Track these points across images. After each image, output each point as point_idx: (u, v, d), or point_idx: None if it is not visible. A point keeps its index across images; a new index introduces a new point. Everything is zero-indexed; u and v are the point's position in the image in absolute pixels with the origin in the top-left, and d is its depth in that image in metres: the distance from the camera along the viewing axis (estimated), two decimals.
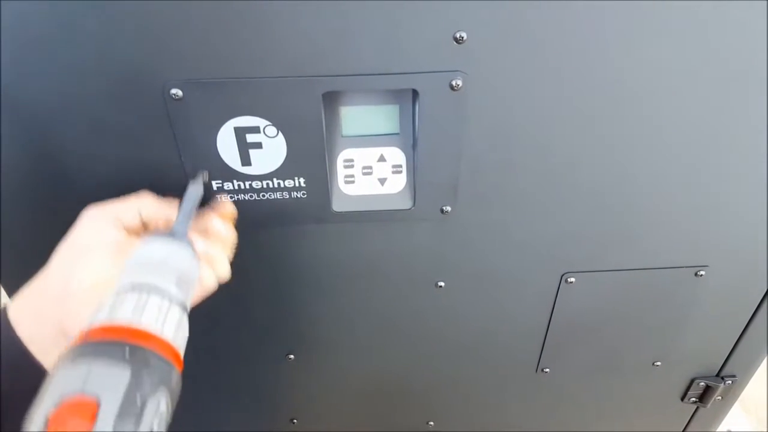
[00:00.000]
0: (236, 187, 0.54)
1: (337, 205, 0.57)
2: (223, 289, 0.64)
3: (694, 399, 0.83)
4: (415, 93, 0.51)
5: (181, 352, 0.37)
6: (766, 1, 0.46)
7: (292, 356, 0.73)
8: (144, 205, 0.46)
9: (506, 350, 0.74)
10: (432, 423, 0.84)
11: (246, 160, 0.53)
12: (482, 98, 0.50)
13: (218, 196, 0.54)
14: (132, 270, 0.39)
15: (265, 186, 0.54)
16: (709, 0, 0.46)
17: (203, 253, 0.46)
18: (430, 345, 0.73)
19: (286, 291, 0.65)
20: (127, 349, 0.32)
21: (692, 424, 0.88)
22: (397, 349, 0.73)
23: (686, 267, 0.66)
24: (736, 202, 0.60)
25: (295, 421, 0.82)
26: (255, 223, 0.58)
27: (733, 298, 0.70)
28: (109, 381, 0.30)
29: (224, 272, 0.49)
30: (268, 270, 0.63)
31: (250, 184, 0.54)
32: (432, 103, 0.50)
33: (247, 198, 0.55)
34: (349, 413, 0.82)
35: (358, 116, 0.55)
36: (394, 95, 0.53)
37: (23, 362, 0.40)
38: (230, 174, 0.53)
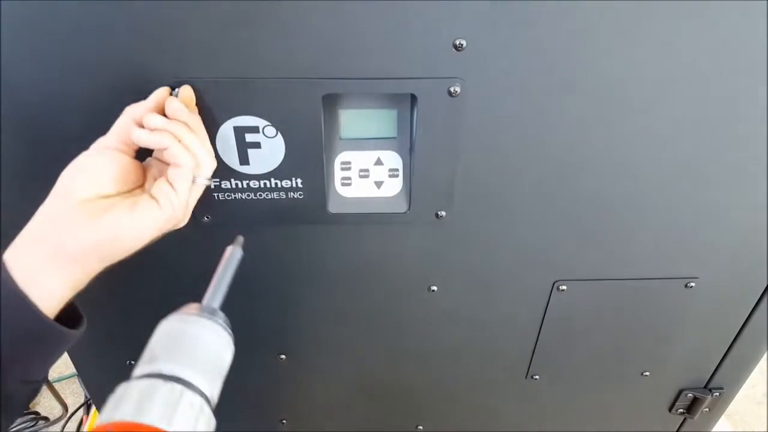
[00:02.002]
0: (234, 186, 0.55)
1: (333, 207, 0.57)
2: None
3: (681, 410, 0.83)
4: (413, 98, 0.51)
5: None
6: (766, 1, 0.47)
7: (283, 356, 0.73)
8: (133, 112, 0.45)
9: (497, 356, 0.75)
10: (421, 426, 0.84)
11: (244, 160, 0.53)
12: (480, 105, 0.51)
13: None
14: (161, 348, 0.35)
15: (262, 186, 0.55)
16: (706, 0, 0.47)
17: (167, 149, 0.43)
18: (421, 348, 0.73)
19: (280, 291, 0.66)
20: None
21: None
22: (388, 351, 0.73)
23: (677, 278, 0.67)
24: (727, 215, 0.61)
25: (284, 421, 0.83)
26: (251, 223, 0.58)
27: (722, 311, 0.71)
28: None
29: (205, 158, 0.46)
30: (262, 269, 0.63)
31: (248, 184, 0.55)
32: (430, 109, 0.51)
33: (244, 197, 0.55)
34: (338, 414, 0.82)
35: (356, 119, 0.55)
36: (393, 100, 0.54)
37: (15, 304, 0.38)
38: (228, 173, 0.54)
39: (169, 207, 0.44)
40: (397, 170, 0.57)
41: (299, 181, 0.55)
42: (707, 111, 0.53)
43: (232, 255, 0.46)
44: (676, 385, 0.80)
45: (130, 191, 0.45)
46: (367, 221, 0.59)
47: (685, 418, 0.85)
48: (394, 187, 0.58)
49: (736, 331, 0.73)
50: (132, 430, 0.29)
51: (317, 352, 0.73)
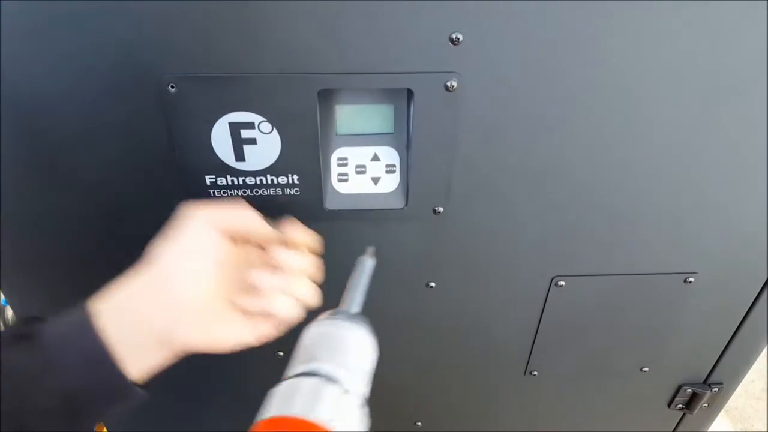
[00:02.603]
0: (229, 183, 0.54)
1: (330, 203, 0.57)
2: None
3: (680, 405, 0.83)
4: (410, 93, 0.51)
5: None
6: (766, 1, 0.46)
7: (281, 353, 0.72)
8: (247, 217, 0.43)
9: (495, 352, 0.74)
10: (420, 423, 0.84)
11: (240, 156, 0.53)
12: (477, 100, 0.51)
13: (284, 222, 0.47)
14: (319, 349, 0.37)
15: (258, 182, 0.55)
16: (706, 0, 0.46)
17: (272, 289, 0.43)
18: (418, 345, 0.73)
19: None
20: None
21: (679, 430, 0.89)
22: (386, 348, 0.73)
23: (675, 273, 0.66)
24: (726, 210, 0.61)
25: None
26: None
27: (721, 306, 0.70)
28: None
29: (304, 296, 0.45)
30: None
31: (244, 180, 0.54)
32: (427, 104, 0.51)
33: (240, 194, 0.55)
34: None
35: (353, 115, 0.55)
36: (390, 95, 0.54)
37: (100, 360, 0.37)
38: (224, 169, 0.53)
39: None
40: (394, 166, 0.57)
41: (295, 177, 0.55)
42: (707, 106, 0.52)
43: (365, 264, 0.48)
44: (675, 381, 0.80)
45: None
46: (364, 217, 0.59)
47: (684, 414, 0.85)
48: (391, 183, 0.57)
49: (735, 327, 0.73)
50: (303, 429, 0.32)
51: None
